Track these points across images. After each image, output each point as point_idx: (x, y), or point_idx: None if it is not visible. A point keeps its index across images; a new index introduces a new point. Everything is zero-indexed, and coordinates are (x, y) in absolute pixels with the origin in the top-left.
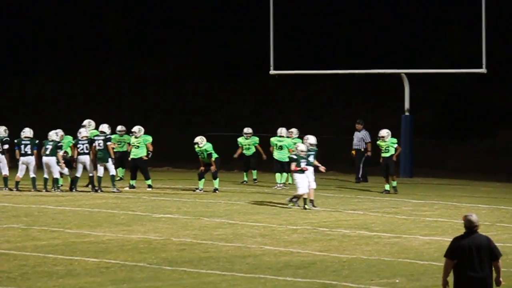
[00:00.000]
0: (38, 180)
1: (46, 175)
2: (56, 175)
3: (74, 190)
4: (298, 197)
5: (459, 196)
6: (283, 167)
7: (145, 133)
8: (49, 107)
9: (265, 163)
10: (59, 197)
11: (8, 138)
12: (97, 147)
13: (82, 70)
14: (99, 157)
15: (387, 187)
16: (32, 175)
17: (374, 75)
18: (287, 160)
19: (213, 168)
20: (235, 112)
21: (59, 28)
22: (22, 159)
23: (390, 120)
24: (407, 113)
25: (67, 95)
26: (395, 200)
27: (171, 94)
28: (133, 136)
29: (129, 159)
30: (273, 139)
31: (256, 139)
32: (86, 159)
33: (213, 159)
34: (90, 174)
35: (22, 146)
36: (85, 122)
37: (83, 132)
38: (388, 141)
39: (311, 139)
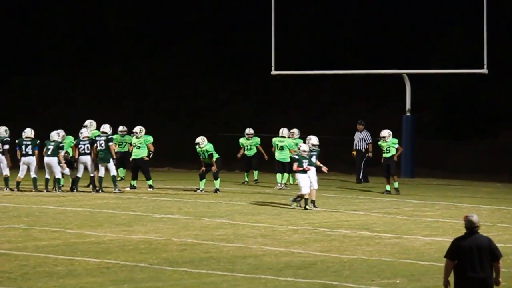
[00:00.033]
0: (39, 181)
1: (47, 176)
2: (58, 175)
3: (75, 190)
4: (301, 197)
5: (460, 196)
6: (284, 167)
7: (146, 133)
8: (51, 107)
9: (267, 164)
10: (60, 198)
11: (8, 139)
12: (99, 148)
13: (83, 70)
14: (100, 158)
15: (388, 187)
16: (33, 175)
17: (375, 75)
18: (288, 160)
19: (214, 168)
20: (236, 113)
21: (61, 28)
22: (23, 159)
23: (391, 120)
24: (408, 114)
25: (69, 95)
26: (396, 201)
27: (172, 95)
28: (134, 137)
29: (130, 159)
30: (274, 140)
31: (258, 139)
32: (87, 159)
33: (214, 159)
34: (91, 175)
35: (23, 146)
36: (87, 122)
37: (84, 133)
38: (389, 142)
39: (314, 139)
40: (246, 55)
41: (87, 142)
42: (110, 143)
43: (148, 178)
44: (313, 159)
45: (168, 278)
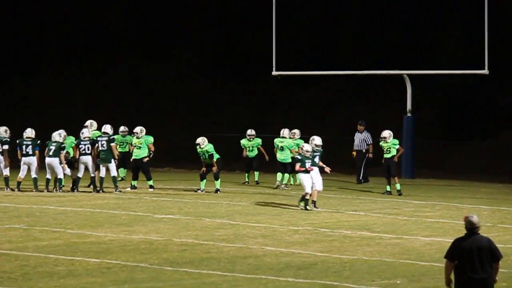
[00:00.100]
0: (40, 181)
1: (48, 176)
2: (60, 175)
3: (75, 190)
4: (305, 196)
5: (460, 197)
6: (285, 168)
7: (147, 133)
8: (51, 108)
9: (267, 164)
10: (60, 198)
11: (8, 139)
12: (100, 148)
13: (84, 70)
14: (101, 158)
15: (388, 188)
16: (33, 175)
17: (376, 76)
18: (289, 161)
19: (214, 168)
20: (237, 113)
21: (62, 29)
22: (23, 159)
23: (392, 121)
24: (409, 114)
25: (69, 96)
26: (397, 201)
27: (173, 95)
28: (135, 137)
29: (131, 159)
30: (276, 140)
31: (259, 140)
32: (88, 159)
33: (214, 160)
34: (92, 175)
35: (24, 147)
36: (87, 122)
37: (85, 133)
38: (390, 142)
39: (317, 140)
40: (247, 56)
41: (88, 142)
42: (112, 144)
43: (148, 178)
44: (316, 159)
45: (168, 278)
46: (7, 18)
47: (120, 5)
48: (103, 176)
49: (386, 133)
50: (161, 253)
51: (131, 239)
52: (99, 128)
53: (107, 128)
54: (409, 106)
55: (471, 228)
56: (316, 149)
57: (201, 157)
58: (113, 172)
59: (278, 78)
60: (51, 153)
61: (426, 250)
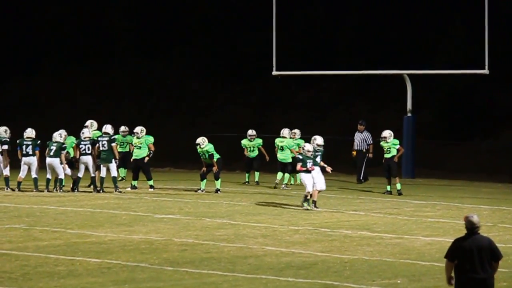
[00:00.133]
0: (40, 181)
1: (48, 176)
2: (61, 175)
3: (76, 190)
4: (308, 195)
5: (461, 197)
6: (285, 167)
7: (147, 133)
8: (51, 108)
9: (268, 164)
10: (61, 198)
11: (7, 139)
12: (101, 148)
13: (84, 70)
14: (102, 158)
15: (388, 188)
16: (34, 175)
17: (376, 76)
18: (289, 160)
19: (215, 168)
20: (237, 113)
21: (62, 29)
22: (23, 159)
23: (392, 121)
24: (409, 114)
25: (70, 96)
26: (397, 201)
27: (173, 95)
28: (135, 137)
29: (131, 159)
30: (276, 140)
31: (260, 141)
32: (88, 159)
33: (214, 159)
34: (92, 175)
35: (24, 147)
36: (88, 122)
37: (86, 133)
38: (390, 142)
39: (319, 139)
40: (247, 56)
41: (88, 142)
42: (113, 144)
43: (149, 178)
44: (318, 159)
45: (169, 278)
46: (7, 18)
47: (120, 5)
48: (104, 176)
49: (387, 133)
50: (161, 253)
51: (131, 239)
52: (99, 128)
53: (108, 128)
54: (409, 106)
55: (471, 228)
56: (318, 149)
57: (201, 157)
58: (114, 173)
59: (278, 78)
60: (52, 153)
61: (426, 250)
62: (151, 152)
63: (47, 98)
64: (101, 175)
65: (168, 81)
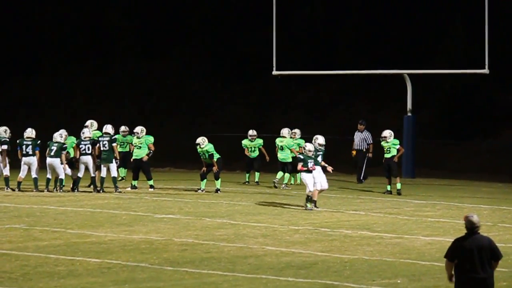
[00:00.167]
0: (40, 181)
1: (49, 176)
2: (62, 176)
3: (76, 190)
4: (309, 195)
5: (461, 196)
6: (285, 167)
7: (147, 133)
8: (51, 108)
9: (268, 164)
10: (61, 198)
11: (7, 139)
12: (102, 148)
13: (84, 70)
14: (103, 158)
15: (389, 187)
16: (34, 175)
17: (376, 75)
18: (289, 160)
19: (215, 168)
20: (237, 113)
21: (62, 29)
22: (24, 159)
23: (392, 120)
24: (409, 114)
25: (70, 96)
26: (397, 201)
27: (173, 95)
28: (135, 137)
29: (131, 159)
30: (277, 140)
31: (261, 141)
32: (88, 159)
33: (215, 159)
34: (92, 175)
35: (24, 147)
36: (88, 122)
37: (86, 133)
38: (390, 142)
39: (320, 139)
40: (248, 55)
41: (89, 142)
42: (114, 144)
43: (149, 178)
44: (319, 158)
45: (169, 278)
46: (7, 18)
47: (121, 5)
48: (104, 176)
49: (387, 133)
50: (161, 253)
51: (131, 239)
52: (99, 128)
53: (109, 128)
54: (409, 105)
55: (471, 227)
56: (319, 148)
57: (202, 157)
58: (114, 173)
59: (278, 78)
60: (52, 154)
61: (426, 249)
62: (151, 151)
63: (47, 98)
64: (101, 175)
65: (168, 81)
